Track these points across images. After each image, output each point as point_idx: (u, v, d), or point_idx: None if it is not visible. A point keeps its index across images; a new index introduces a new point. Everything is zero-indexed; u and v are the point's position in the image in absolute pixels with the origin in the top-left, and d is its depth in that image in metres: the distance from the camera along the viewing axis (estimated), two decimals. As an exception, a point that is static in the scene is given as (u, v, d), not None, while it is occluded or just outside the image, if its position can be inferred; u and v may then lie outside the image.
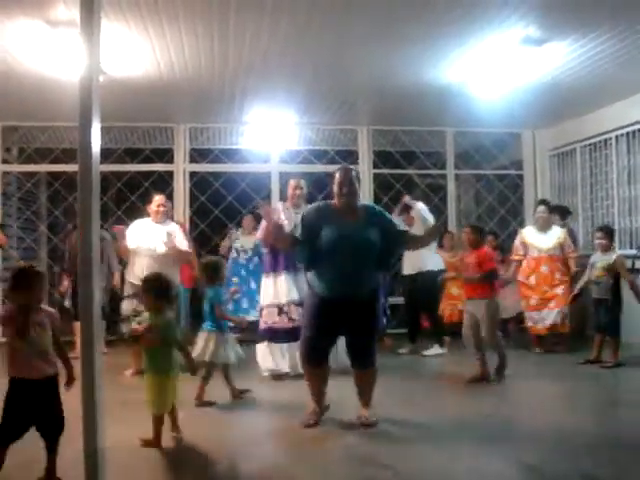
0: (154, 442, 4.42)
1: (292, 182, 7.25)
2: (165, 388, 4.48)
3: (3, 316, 3.77)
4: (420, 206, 8.33)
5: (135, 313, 6.04)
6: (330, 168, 10.19)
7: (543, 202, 8.58)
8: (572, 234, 8.86)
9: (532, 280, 8.27)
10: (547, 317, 8.10)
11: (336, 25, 5.97)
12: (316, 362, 5.00)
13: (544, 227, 8.26)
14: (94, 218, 2.65)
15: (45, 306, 3.85)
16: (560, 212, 8.89)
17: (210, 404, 5.66)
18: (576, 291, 7.76)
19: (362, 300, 4.89)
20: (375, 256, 4.86)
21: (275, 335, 6.88)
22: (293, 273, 6.86)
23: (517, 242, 8.46)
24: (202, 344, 5.76)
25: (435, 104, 8.67)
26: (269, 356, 6.90)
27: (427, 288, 8.31)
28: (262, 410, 5.69)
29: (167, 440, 4.49)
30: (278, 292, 6.92)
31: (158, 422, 4.47)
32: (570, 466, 3.91)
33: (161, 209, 7.19)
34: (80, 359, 2.63)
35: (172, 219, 8.72)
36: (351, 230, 4.81)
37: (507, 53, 6.52)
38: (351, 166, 5.24)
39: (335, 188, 4.90)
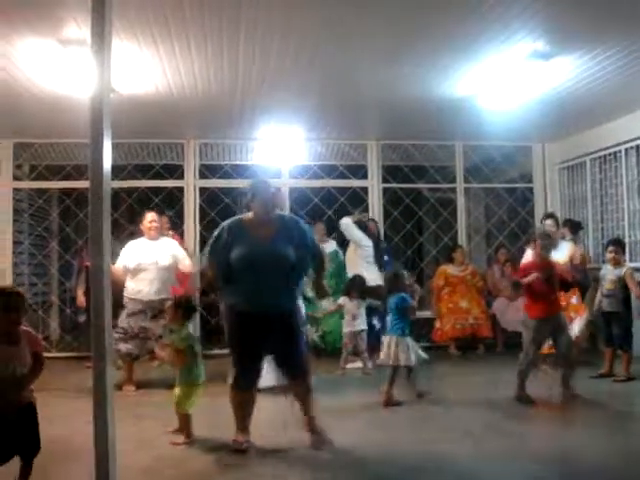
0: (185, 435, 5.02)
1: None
2: (194, 394, 5.10)
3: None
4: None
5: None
6: (340, 183, 10.32)
7: (551, 216, 8.51)
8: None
9: None
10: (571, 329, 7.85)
11: (345, 41, 6.00)
12: (246, 386, 4.88)
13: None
14: (105, 234, 2.67)
15: (24, 327, 3.78)
16: (571, 226, 8.84)
17: (398, 404, 6.11)
18: (596, 308, 7.52)
19: (278, 314, 4.81)
20: (288, 268, 4.80)
21: None
22: None
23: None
24: (386, 348, 6.21)
25: (444, 118, 8.69)
26: None
27: None
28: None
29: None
30: None
31: (187, 419, 5.06)
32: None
33: (154, 225, 7.41)
34: (92, 374, 2.64)
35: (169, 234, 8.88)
36: (264, 242, 4.79)
37: (515, 67, 6.53)
38: (269, 179, 5.28)
39: (253, 203, 4.91)
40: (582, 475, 4.13)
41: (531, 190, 10.84)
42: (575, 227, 8.84)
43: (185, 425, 5.06)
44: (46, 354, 8.87)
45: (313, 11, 5.32)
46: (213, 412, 5.53)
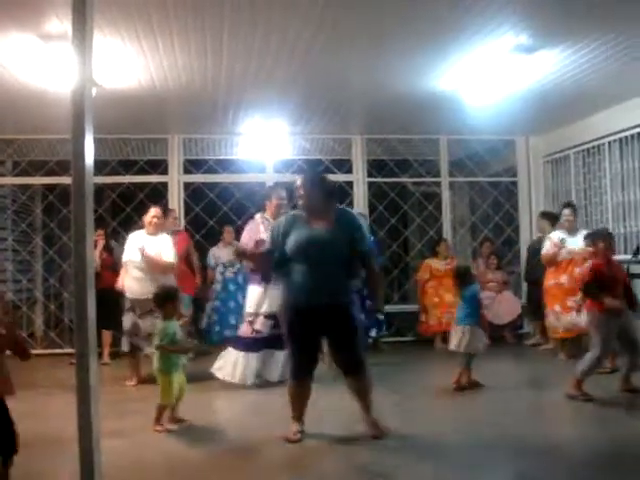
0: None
1: (278, 192, 7.21)
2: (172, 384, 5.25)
3: None
4: None
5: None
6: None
7: (569, 205, 8.46)
8: None
9: (563, 280, 8.00)
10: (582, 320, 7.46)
11: (327, 37, 5.97)
12: (301, 378, 4.95)
13: (572, 230, 8.11)
14: (88, 230, 2.65)
15: None
16: (549, 218, 8.91)
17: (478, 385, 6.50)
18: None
19: (334, 306, 4.82)
20: (343, 260, 4.82)
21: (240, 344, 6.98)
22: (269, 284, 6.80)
23: (549, 245, 8.18)
24: (459, 336, 6.51)
25: (428, 112, 8.70)
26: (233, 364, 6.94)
27: None
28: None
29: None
30: (256, 302, 6.95)
31: (162, 410, 5.24)
32: None
33: (154, 221, 7.21)
34: (75, 371, 2.62)
35: (179, 229, 8.87)
36: (315, 234, 4.81)
37: (499, 61, 6.54)
38: (319, 172, 5.28)
39: (296, 194, 4.98)
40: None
41: (515, 184, 10.87)
42: (553, 219, 8.87)
43: (158, 414, 5.24)
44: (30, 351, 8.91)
45: (295, 8, 5.31)
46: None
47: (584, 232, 7.77)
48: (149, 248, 7.05)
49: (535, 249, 8.96)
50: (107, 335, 8.49)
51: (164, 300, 5.52)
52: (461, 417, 5.60)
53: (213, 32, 5.76)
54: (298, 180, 5.00)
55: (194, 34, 5.78)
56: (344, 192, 10.31)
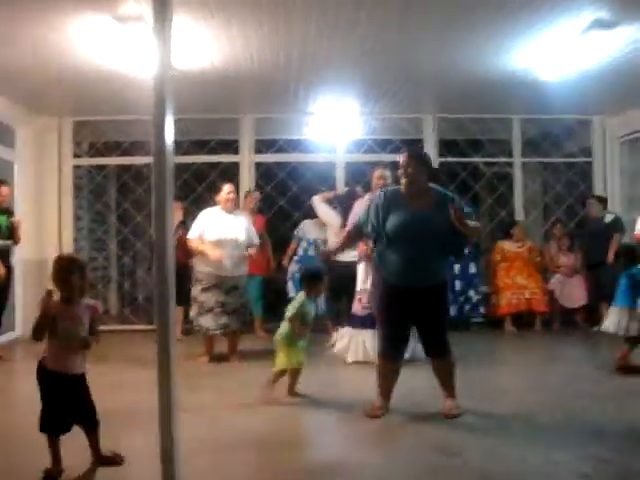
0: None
1: (376, 172, 7.18)
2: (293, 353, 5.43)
3: (42, 299, 3.75)
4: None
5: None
6: (395, 157, 10.20)
7: None
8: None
9: None
10: None
11: (401, 13, 5.92)
12: (391, 357, 4.95)
13: None
14: (168, 209, 2.69)
15: (87, 299, 3.89)
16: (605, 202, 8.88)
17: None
18: None
19: (429, 288, 4.80)
20: (442, 242, 4.74)
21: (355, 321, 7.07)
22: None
23: None
24: (616, 319, 6.36)
25: (502, 91, 8.54)
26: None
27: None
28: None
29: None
30: (362, 279, 7.06)
31: (278, 376, 5.46)
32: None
33: (231, 196, 7.30)
34: (157, 348, 2.68)
35: (255, 211, 8.94)
36: (417, 215, 4.74)
37: (577, 37, 6.37)
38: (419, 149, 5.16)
39: (398, 173, 4.88)
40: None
41: (590, 164, 10.59)
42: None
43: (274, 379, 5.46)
44: (105, 327, 9.23)
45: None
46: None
47: None
48: (229, 226, 7.15)
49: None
50: (179, 311, 8.62)
51: (311, 279, 5.66)
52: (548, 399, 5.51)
53: (285, 10, 5.76)
54: (403, 157, 4.86)
55: (267, 13, 5.80)
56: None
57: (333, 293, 8.42)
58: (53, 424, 3.71)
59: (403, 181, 4.83)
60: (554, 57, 7.03)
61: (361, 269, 7.11)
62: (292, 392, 5.53)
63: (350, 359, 6.97)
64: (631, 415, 4.89)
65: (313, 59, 7.17)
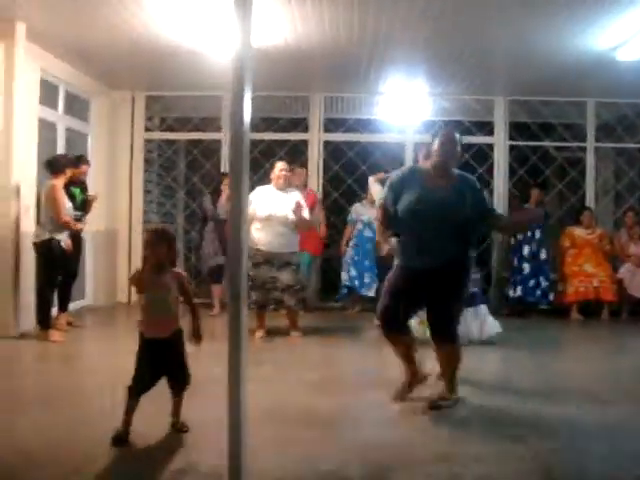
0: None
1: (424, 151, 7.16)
2: None
3: (132, 276, 4.04)
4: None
5: None
6: (465, 139, 10.10)
7: None
8: None
9: None
10: None
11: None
12: (394, 329, 4.77)
13: None
14: (244, 183, 2.73)
15: (175, 268, 4.08)
16: None
17: None
18: None
19: (444, 270, 4.60)
20: (461, 225, 4.60)
21: None
22: None
23: None
24: None
25: (577, 73, 8.33)
26: None
27: None
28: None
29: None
30: None
31: None
32: None
33: (283, 174, 7.36)
34: (228, 316, 2.74)
35: (305, 188, 8.94)
36: (434, 194, 4.61)
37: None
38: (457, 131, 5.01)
39: (434, 148, 4.70)
40: None
41: (666, 151, 10.30)
42: None
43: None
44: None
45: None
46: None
47: None
48: (280, 203, 7.20)
49: None
50: (218, 288, 8.87)
51: None
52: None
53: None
54: (444, 137, 4.72)
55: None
56: (483, 154, 10.12)
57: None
58: (140, 385, 3.89)
59: (436, 160, 4.70)
60: (635, 38, 6.82)
61: None
62: None
63: None
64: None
65: (386, 39, 7.12)
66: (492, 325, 6.95)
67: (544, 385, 5.45)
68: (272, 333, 7.33)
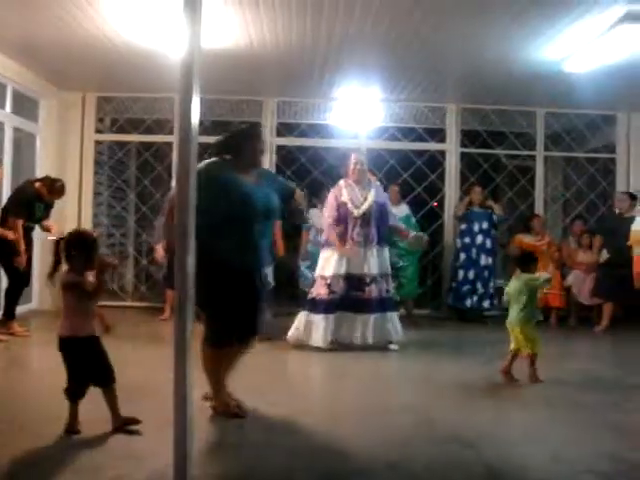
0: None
1: (353, 157, 7.28)
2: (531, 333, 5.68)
3: (67, 281, 3.98)
4: None
5: None
6: (417, 146, 10.24)
7: None
8: None
9: None
10: None
11: (430, 3, 5.88)
12: (225, 342, 4.44)
13: None
14: (191, 186, 2.71)
15: (92, 271, 4.04)
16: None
17: None
18: None
19: (255, 271, 4.47)
20: (271, 220, 4.56)
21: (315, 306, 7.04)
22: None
23: None
24: None
25: (527, 83, 8.46)
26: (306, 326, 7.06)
27: None
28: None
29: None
30: (327, 265, 7.05)
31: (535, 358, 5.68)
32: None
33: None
34: (174, 324, 2.71)
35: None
36: (256, 192, 4.42)
37: (607, 31, 6.28)
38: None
39: (250, 145, 4.55)
40: None
41: (613, 160, 10.51)
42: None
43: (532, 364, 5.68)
44: (121, 303, 9.33)
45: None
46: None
47: None
48: None
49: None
50: (172, 293, 8.69)
51: (525, 261, 6.00)
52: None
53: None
54: (259, 133, 4.67)
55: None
56: (436, 161, 10.21)
57: None
58: (72, 388, 3.96)
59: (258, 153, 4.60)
60: (582, 50, 6.96)
61: (325, 254, 7.16)
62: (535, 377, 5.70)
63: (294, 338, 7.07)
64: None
65: (339, 44, 7.13)
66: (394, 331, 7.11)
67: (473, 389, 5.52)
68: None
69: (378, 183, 7.73)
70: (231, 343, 4.45)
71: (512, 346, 5.72)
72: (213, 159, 4.52)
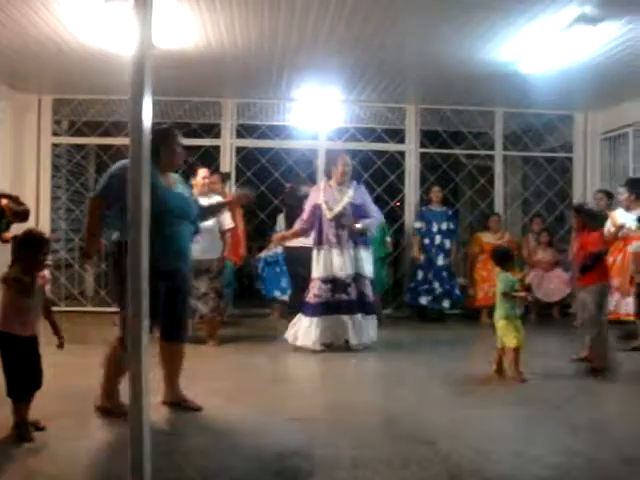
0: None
1: (342, 159, 7.31)
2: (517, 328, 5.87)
3: (7, 277, 3.98)
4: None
5: None
6: (377, 146, 10.27)
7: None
8: None
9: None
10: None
11: (387, 3, 5.90)
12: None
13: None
14: (144, 190, 2.67)
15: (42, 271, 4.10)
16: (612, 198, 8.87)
17: None
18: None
19: (180, 270, 4.62)
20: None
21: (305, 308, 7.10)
22: (324, 248, 7.04)
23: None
24: None
25: (485, 83, 8.54)
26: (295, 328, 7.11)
27: None
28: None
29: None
30: (316, 268, 7.10)
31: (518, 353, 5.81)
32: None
33: (205, 181, 7.41)
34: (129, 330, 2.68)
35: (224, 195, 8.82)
36: (180, 195, 4.68)
37: (561, 32, 6.37)
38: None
39: (166, 147, 4.69)
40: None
41: (571, 160, 10.66)
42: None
43: (515, 359, 5.79)
44: (81, 309, 9.20)
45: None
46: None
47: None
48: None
49: None
50: None
51: (503, 258, 6.25)
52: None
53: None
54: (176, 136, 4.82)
55: (252, -4, 5.75)
56: (396, 162, 10.25)
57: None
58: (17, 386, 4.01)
59: (169, 159, 4.73)
60: (537, 51, 7.04)
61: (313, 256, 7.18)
62: (518, 371, 5.80)
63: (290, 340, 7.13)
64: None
65: (297, 45, 7.12)
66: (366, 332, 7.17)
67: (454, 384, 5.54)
68: (191, 342, 7.21)
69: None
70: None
71: (498, 344, 5.84)
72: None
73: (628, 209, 7.99)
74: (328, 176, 7.36)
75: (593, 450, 3.92)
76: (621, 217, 7.94)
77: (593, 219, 6.53)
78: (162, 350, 4.72)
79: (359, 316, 7.02)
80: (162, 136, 4.63)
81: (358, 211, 7.15)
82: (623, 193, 8.11)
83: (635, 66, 7.47)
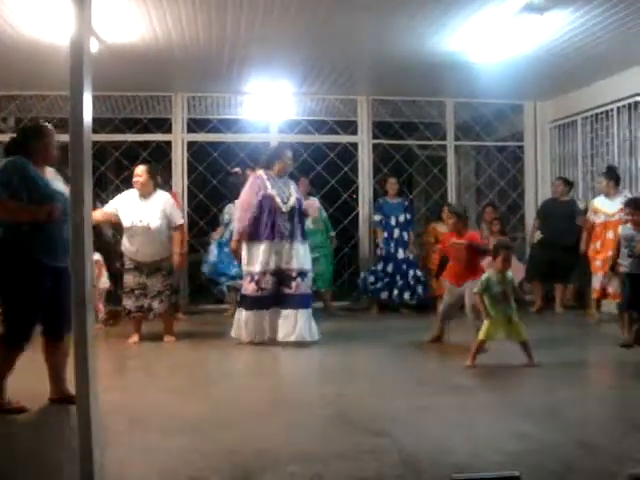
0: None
1: (289, 153, 7.31)
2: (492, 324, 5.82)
3: None
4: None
5: None
6: (329, 138, 10.26)
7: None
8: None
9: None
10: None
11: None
12: (23, 341, 4.42)
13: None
14: (86, 188, 2.61)
15: None
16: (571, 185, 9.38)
17: None
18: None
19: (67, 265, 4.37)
20: None
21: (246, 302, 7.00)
22: (275, 241, 6.93)
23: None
24: None
25: (435, 74, 8.57)
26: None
27: None
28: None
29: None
30: (255, 260, 6.96)
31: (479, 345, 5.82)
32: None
33: (138, 179, 7.09)
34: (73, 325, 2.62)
35: (170, 190, 8.71)
36: (53, 188, 4.51)
37: (508, 21, 6.42)
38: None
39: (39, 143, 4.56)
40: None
41: (522, 148, 10.78)
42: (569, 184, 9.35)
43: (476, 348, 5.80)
44: None
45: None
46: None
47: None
48: (142, 210, 7.00)
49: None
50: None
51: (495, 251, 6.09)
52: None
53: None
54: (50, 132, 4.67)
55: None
56: (349, 154, 10.25)
57: None
58: None
59: (42, 153, 4.58)
60: (486, 40, 7.09)
61: (255, 249, 7.02)
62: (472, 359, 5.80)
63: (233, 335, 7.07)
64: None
65: (247, 38, 7.06)
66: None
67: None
68: (147, 339, 7.15)
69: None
70: (25, 343, 4.40)
71: (480, 336, 5.81)
72: (15, 157, 4.50)
73: (608, 195, 8.36)
74: (267, 167, 7.22)
75: (548, 435, 3.96)
76: (601, 204, 8.40)
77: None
78: (47, 347, 4.61)
79: (302, 310, 6.95)
80: (35, 131, 4.65)
81: (300, 205, 7.20)
82: (602, 182, 8.48)
83: (582, 55, 7.58)
